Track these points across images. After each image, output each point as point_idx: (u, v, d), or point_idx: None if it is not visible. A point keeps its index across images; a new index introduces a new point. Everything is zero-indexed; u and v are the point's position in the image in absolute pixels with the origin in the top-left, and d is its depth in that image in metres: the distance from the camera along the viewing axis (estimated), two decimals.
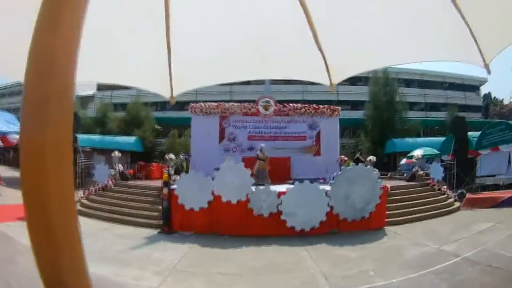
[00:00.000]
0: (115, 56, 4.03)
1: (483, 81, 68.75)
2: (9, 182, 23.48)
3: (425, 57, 4.40)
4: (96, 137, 40.09)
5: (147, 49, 3.96)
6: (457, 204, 18.61)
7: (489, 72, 3.68)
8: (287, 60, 4.32)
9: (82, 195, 19.54)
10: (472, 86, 67.14)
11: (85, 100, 60.28)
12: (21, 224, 12.90)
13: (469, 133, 27.87)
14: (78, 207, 17.79)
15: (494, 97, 72.17)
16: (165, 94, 4.47)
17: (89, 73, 4.44)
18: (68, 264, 1.24)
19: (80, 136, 30.02)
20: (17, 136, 20.00)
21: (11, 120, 21.31)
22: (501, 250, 9.91)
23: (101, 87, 62.47)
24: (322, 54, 3.88)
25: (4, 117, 20.97)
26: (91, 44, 3.66)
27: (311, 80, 4.81)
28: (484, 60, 3.56)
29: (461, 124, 29.32)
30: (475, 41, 3.35)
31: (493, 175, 24.21)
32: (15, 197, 18.56)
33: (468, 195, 19.58)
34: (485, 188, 23.22)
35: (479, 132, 26.61)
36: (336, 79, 4.38)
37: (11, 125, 20.48)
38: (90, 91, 62.93)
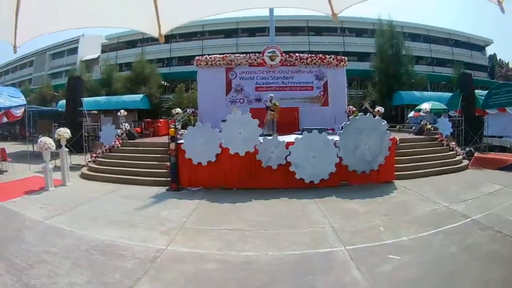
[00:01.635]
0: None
1: (488, 42, 68.41)
2: (16, 157, 23.57)
3: None
4: (102, 98, 40.47)
5: None
6: (465, 162, 18.43)
7: (503, 10, 3.46)
8: None
9: (89, 159, 19.53)
10: (477, 46, 66.57)
11: (89, 64, 60.36)
12: (27, 197, 12.95)
13: (476, 91, 27.70)
14: (86, 171, 17.97)
15: (500, 59, 71.76)
16: (153, 32, 4.28)
17: (77, 20, 4.28)
18: None
19: (86, 100, 29.99)
20: (22, 109, 19.87)
21: (15, 94, 21.12)
22: (510, 216, 9.72)
23: (105, 49, 62.40)
24: None
25: (7, 91, 20.80)
26: None
27: (312, 8, 4.56)
28: None
29: (468, 81, 29.31)
30: None
31: (500, 136, 24.05)
32: (21, 171, 18.92)
33: (476, 154, 19.43)
34: (492, 148, 23.08)
35: (486, 91, 26.41)
36: (338, 8, 4.13)
37: (15, 98, 20.31)
38: (94, 54, 62.80)
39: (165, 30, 4.28)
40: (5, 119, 21.34)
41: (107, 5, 4.05)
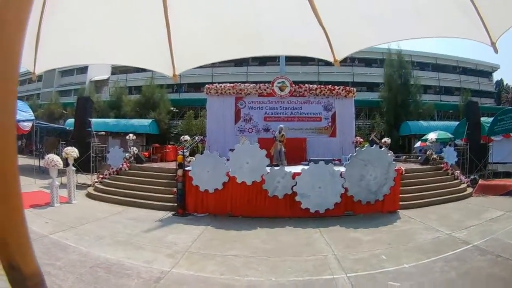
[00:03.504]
0: (119, 37, 4.07)
1: (495, 68, 68.61)
2: (21, 170, 23.41)
3: (430, 33, 4.33)
4: (110, 120, 40.44)
5: (148, 28, 3.94)
6: (469, 190, 18.47)
7: (496, 51, 3.61)
8: (289, 35, 4.28)
9: (96, 179, 19.61)
10: (484, 72, 66.83)
11: (99, 85, 60.74)
12: (32, 211, 13.05)
13: (482, 119, 27.92)
14: (92, 191, 18.00)
15: (506, 84, 71.93)
16: (168, 73, 4.45)
17: (94, 56, 4.48)
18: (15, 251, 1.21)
19: (94, 120, 30.09)
20: (30, 124, 20.00)
21: (23, 108, 21.35)
22: (511, 240, 9.82)
23: (115, 71, 62.85)
24: (324, 29, 3.81)
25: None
26: (95, 27, 3.65)
27: (314, 55, 4.74)
28: (490, 38, 3.50)
29: (474, 108, 29.43)
30: (481, 18, 3.29)
31: (505, 163, 24.11)
32: (26, 185, 18.72)
33: (480, 181, 19.51)
34: (497, 175, 23.22)
35: (492, 118, 26.56)
36: (340, 55, 4.30)
37: (23, 112, 20.50)
38: (104, 75, 63.22)
39: (179, 71, 4.45)
40: None
41: (124, 44, 4.22)
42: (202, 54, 4.59)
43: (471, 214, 13.79)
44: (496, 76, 71.28)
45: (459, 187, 18.38)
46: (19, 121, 19.52)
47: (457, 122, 33.47)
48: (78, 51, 4.36)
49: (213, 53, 4.61)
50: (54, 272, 7.23)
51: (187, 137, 24.44)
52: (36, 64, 4.12)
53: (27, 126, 20.48)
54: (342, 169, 15.00)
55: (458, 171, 19.87)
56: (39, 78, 70.22)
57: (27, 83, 73.56)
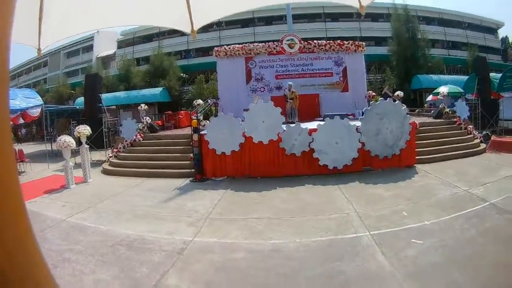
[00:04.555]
0: None
1: (500, 24, 67.62)
2: (34, 157, 23.74)
3: None
4: (121, 93, 40.96)
5: None
6: (482, 145, 18.26)
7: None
8: None
9: (110, 154, 19.63)
10: (489, 28, 65.94)
11: (106, 60, 60.59)
12: (47, 196, 12.92)
13: (491, 74, 27.62)
14: (107, 166, 18.01)
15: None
16: (186, 29, 4.36)
17: (105, 20, 4.37)
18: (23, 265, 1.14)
19: (104, 95, 30.07)
20: (38, 109, 19.95)
21: (30, 95, 21.25)
22: None
23: (121, 45, 62.54)
24: None
25: (23, 93, 20.86)
26: None
27: (341, 2, 4.64)
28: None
29: (483, 64, 29.10)
30: None
31: None
32: (40, 171, 18.97)
33: (493, 138, 19.26)
34: (508, 132, 23.00)
35: (500, 74, 26.27)
36: (365, 0, 4.20)
37: (31, 99, 20.43)
38: (110, 51, 62.96)
39: (197, 26, 4.36)
40: (21, 120, 21.52)
41: (135, 3, 4.13)
42: (218, 6, 4.51)
43: (486, 171, 13.60)
44: (501, 34, 70.51)
45: (473, 143, 18.16)
46: (26, 108, 19.47)
47: (466, 77, 33.21)
48: (85, 18, 4.24)
49: (230, 4, 4.53)
50: (74, 258, 7.18)
51: (200, 101, 24.33)
52: (40, 39, 4.04)
53: (35, 112, 20.37)
54: (358, 123, 14.90)
55: (471, 126, 19.66)
56: (45, 63, 70.41)
57: (33, 70, 73.69)
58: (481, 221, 8.20)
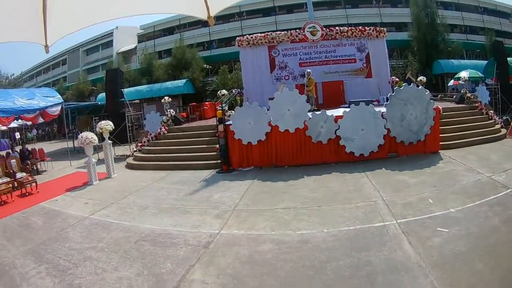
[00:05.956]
0: None
1: None
2: (55, 155, 24.04)
3: None
4: (143, 87, 40.96)
5: None
6: (503, 130, 17.98)
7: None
8: None
9: (135, 148, 19.73)
10: (504, 13, 65.17)
11: (126, 55, 60.82)
12: (68, 195, 12.96)
13: (509, 59, 27.31)
14: (131, 161, 18.15)
15: None
16: (203, 15, 4.34)
17: (114, 10, 4.32)
18: None
19: (126, 90, 30.11)
20: (58, 107, 20.04)
21: (49, 94, 21.24)
22: None
23: (141, 39, 62.68)
24: None
25: (41, 92, 20.90)
26: None
27: None
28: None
29: (501, 48, 28.93)
30: None
31: None
32: (62, 169, 19.14)
33: None
34: None
35: None
36: None
37: (50, 97, 20.44)
38: (131, 45, 63.17)
39: (213, 12, 4.32)
40: (41, 120, 21.66)
41: None
42: None
43: (508, 157, 13.40)
44: None
45: (494, 128, 17.90)
46: (46, 107, 19.51)
47: (485, 61, 32.97)
48: (94, 9, 4.13)
49: None
50: (96, 256, 7.24)
51: (224, 91, 24.28)
52: (47, 36, 4.03)
53: (55, 111, 20.34)
54: (383, 109, 14.80)
55: (492, 111, 19.47)
56: (63, 61, 70.67)
57: (51, 69, 74.31)
58: (504, 208, 8.13)
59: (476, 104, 19.40)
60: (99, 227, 9.09)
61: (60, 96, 21.70)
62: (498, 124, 18.63)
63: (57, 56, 71.37)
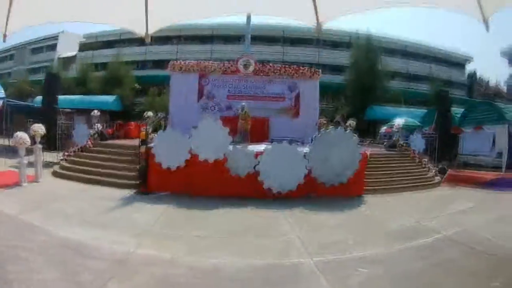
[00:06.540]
0: None
1: (469, 59, 69.22)
2: None
3: (421, 1, 4.26)
4: (76, 97, 40.36)
5: None
6: (437, 178, 18.77)
7: (487, 28, 3.55)
8: None
9: (61, 157, 19.50)
10: (457, 64, 67.46)
11: (67, 61, 60.08)
12: (1, 191, 12.94)
13: (453, 109, 28.22)
14: (58, 169, 17.94)
15: (479, 77, 72.33)
16: (140, 31, 4.30)
17: (66, 13, 4.29)
18: None
19: (60, 97, 30.05)
20: (0, 102, 19.54)
21: None
22: (484, 233, 9.86)
23: (82, 48, 62.20)
24: None
25: None
26: None
27: (295, 18, 4.64)
28: (482, 14, 3.44)
29: (445, 98, 29.92)
30: None
31: (476, 155, 24.47)
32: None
33: (450, 172, 19.76)
34: (468, 165, 23.54)
35: (463, 109, 26.96)
36: (324, 18, 4.19)
37: None
38: (72, 52, 62.18)
39: (152, 30, 4.30)
40: None
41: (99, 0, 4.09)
42: (175, 11, 4.48)
43: (440, 204, 14.11)
44: (469, 68, 72.39)
45: (427, 176, 18.73)
46: None
47: (426, 110, 33.96)
48: (49, 7, 4.23)
49: (187, 10, 4.50)
50: (24, 255, 7.15)
51: (150, 113, 24.20)
52: (8, 24, 3.98)
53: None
54: (306, 149, 15.23)
55: (425, 159, 20.03)
56: (11, 56, 69.45)
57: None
58: (433, 252, 8.34)
59: (408, 152, 19.82)
60: (27, 229, 9.05)
61: (3, 91, 21.21)
62: (432, 172, 19.40)
63: (5, 50, 69.84)
